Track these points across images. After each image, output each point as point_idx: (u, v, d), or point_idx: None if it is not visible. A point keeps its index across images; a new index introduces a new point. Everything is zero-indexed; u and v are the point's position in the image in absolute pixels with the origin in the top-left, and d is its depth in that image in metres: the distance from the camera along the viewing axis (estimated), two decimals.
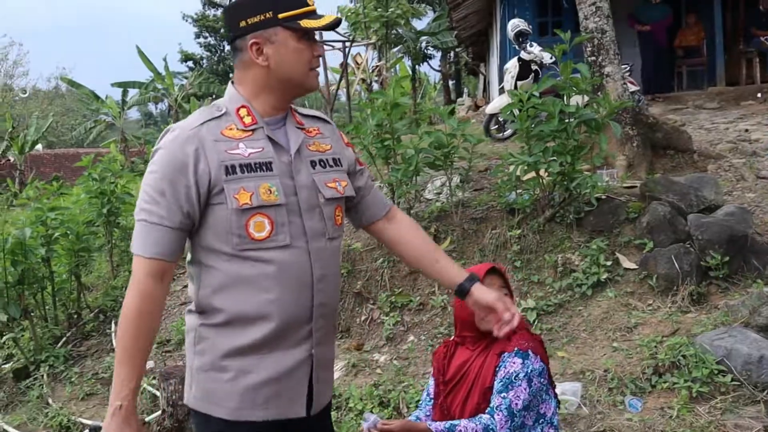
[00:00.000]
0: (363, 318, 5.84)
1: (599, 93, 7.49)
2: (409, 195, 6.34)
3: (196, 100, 25.89)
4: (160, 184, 1.97)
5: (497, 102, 9.33)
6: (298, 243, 2.04)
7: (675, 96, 12.50)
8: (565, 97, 5.86)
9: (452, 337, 2.91)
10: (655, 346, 4.50)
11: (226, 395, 2.03)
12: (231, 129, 2.05)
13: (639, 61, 12.81)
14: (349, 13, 20.91)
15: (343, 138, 2.32)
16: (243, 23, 2.05)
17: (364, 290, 5.96)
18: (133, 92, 27.92)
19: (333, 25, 2.08)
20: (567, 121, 5.62)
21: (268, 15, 2.02)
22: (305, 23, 2.04)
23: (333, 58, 36.79)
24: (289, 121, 2.14)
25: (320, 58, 2.16)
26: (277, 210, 2.01)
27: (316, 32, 2.14)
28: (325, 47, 15.45)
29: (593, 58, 7.75)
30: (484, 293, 2.29)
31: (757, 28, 13.00)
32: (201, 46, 40.56)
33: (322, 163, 2.16)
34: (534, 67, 9.38)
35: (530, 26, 10.23)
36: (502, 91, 9.94)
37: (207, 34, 40.09)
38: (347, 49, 15.96)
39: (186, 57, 39.87)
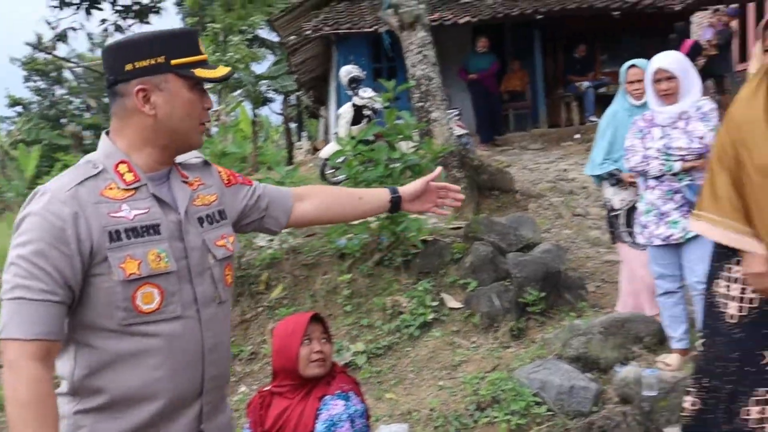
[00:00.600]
0: None
1: (427, 138, 7.79)
2: (239, 242, 6.31)
3: (25, 147, 24.74)
4: (37, 255, 1.70)
5: (330, 147, 9.49)
6: (189, 312, 1.84)
7: (503, 138, 13.17)
8: (390, 143, 6.06)
9: (267, 388, 2.92)
10: (478, 383, 4.67)
11: None
12: (111, 188, 1.80)
13: (470, 106, 13.43)
14: None
15: (222, 177, 2.11)
16: (129, 66, 1.82)
17: None
18: None
19: (226, 77, 1.92)
20: (392, 166, 5.80)
21: (159, 60, 1.81)
22: (200, 72, 1.85)
23: None
24: (173, 176, 1.93)
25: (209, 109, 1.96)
26: (168, 278, 1.80)
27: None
28: None
29: (421, 104, 8.07)
30: (410, 187, 2.34)
31: (574, 74, 13.99)
32: (30, 90, 38.81)
33: (209, 218, 1.96)
34: (367, 112, 9.60)
35: (364, 72, 10.49)
36: (337, 136, 10.13)
37: (36, 78, 38.44)
38: None
39: (14, 102, 37.95)
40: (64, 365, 1.82)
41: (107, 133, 1.90)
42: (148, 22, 17.98)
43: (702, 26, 14.97)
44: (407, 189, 2.34)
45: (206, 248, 1.90)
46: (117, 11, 16.88)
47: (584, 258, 6.59)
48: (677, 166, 4.19)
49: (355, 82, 9.78)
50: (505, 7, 13.56)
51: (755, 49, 4.65)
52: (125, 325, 1.76)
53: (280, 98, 27.89)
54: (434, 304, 5.54)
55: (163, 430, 1.83)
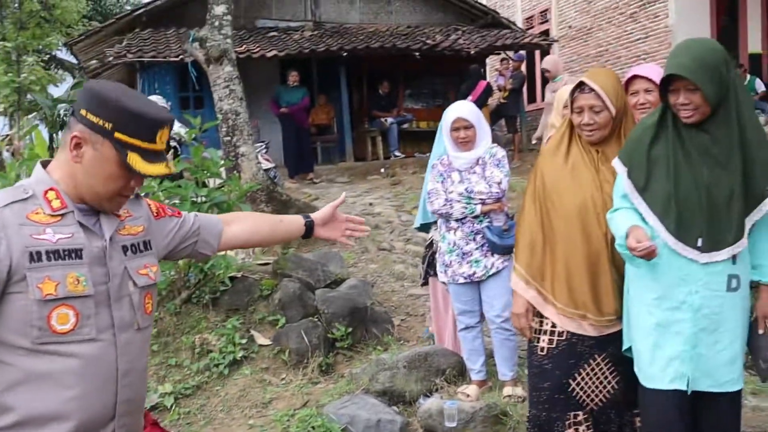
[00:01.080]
0: None
1: (235, 172, 7.81)
2: None
3: None
4: None
5: None
6: (104, 336, 1.88)
7: (313, 172, 13.39)
8: (198, 180, 6.02)
9: None
10: (288, 420, 4.72)
11: None
12: (38, 213, 1.85)
13: (281, 139, 13.56)
14: None
15: (151, 209, 2.17)
16: (83, 111, 1.87)
17: None
18: None
19: (156, 176, 1.95)
20: (199, 203, 5.77)
21: (106, 125, 1.86)
22: (133, 160, 1.88)
23: None
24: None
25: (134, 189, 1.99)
26: (84, 301, 1.84)
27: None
28: None
29: (228, 138, 8.09)
30: (321, 213, 2.51)
31: (379, 110, 14.52)
32: None
33: (134, 248, 2.01)
34: (173, 143, 9.44)
35: (170, 103, 10.32)
36: None
37: None
38: None
39: None
40: None
41: (42, 164, 1.96)
42: None
43: (493, 69, 16.06)
44: (318, 215, 2.51)
45: (128, 275, 1.96)
46: None
47: (390, 292, 6.84)
48: (478, 209, 4.45)
49: None
50: (311, 43, 13.87)
51: (556, 105, 5.10)
52: (39, 344, 1.80)
53: None
54: (243, 341, 5.54)
55: None
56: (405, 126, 14.63)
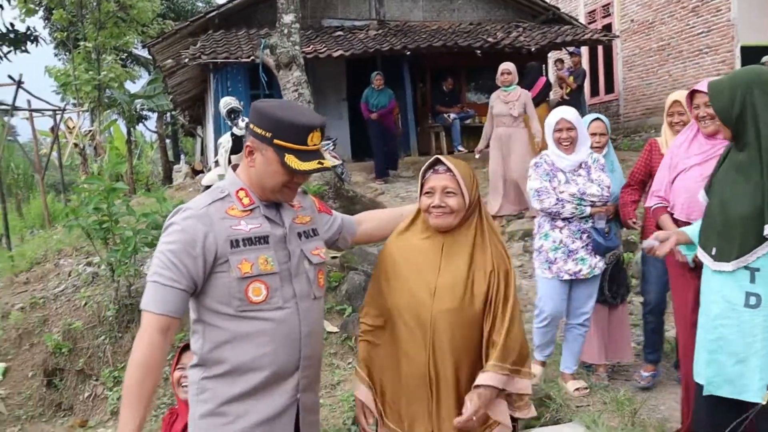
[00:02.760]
0: (87, 395, 6.02)
1: None
2: (128, 272, 6.61)
3: None
4: (171, 253, 2.26)
5: (212, 174, 9.85)
6: (289, 304, 2.37)
7: (395, 172, 13.78)
8: None
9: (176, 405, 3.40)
10: (353, 400, 5.21)
11: None
12: (233, 209, 2.36)
13: (347, 135, 13.91)
14: (59, 74, 20.36)
15: (316, 204, 2.70)
16: (252, 126, 2.36)
17: (87, 367, 6.15)
18: None
19: (311, 172, 2.35)
20: None
21: (267, 134, 2.31)
22: (289, 160, 2.31)
23: (44, 122, 34.98)
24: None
25: (298, 182, 2.42)
26: (272, 277, 2.33)
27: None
28: (35, 114, 15.04)
29: None
30: None
31: (442, 106, 14.87)
32: None
33: (306, 233, 2.50)
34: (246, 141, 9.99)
35: (242, 102, 10.89)
36: (217, 164, 10.48)
37: None
38: (60, 115, 15.58)
39: None
40: (196, 342, 2.40)
41: (233, 168, 2.49)
42: (26, 51, 17.42)
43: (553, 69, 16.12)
44: None
45: (304, 255, 2.46)
46: None
47: None
48: (588, 210, 4.63)
49: (233, 113, 10.15)
50: (375, 42, 14.31)
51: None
52: (240, 311, 2.31)
53: (154, 116, 27.67)
54: None
55: (269, 394, 2.36)
56: (467, 121, 14.92)
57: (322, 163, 2.37)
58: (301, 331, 2.41)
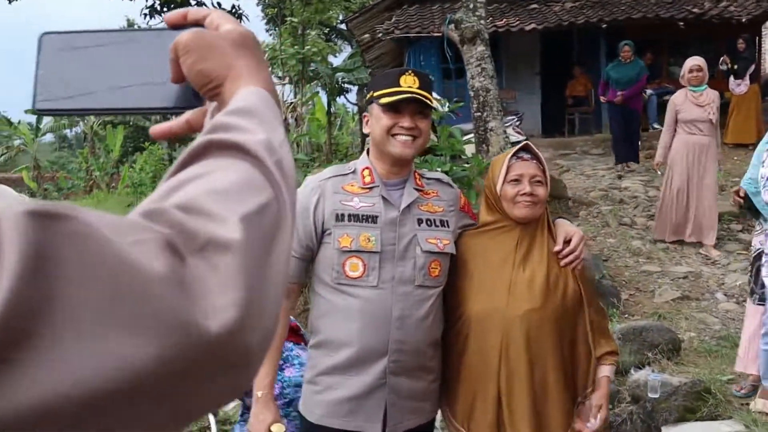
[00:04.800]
0: None
1: (484, 145, 8.38)
2: None
3: (112, 128, 26.00)
4: None
5: None
6: (385, 286, 2.39)
7: (566, 141, 13.55)
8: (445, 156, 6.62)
9: None
10: None
11: (316, 404, 2.46)
12: (352, 185, 2.47)
13: (538, 109, 13.71)
14: (266, 49, 21.53)
15: (460, 202, 2.63)
16: (369, 95, 2.51)
17: None
18: (48, 118, 27.72)
19: (410, 100, 2.37)
20: None
21: (371, 94, 2.48)
22: (384, 100, 2.40)
23: None
24: (409, 183, 2.51)
25: (409, 128, 2.41)
26: (371, 256, 2.38)
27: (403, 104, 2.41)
28: None
29: (479, 113, 8.63)
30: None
31: None
32: None
33: (429, 221, 2.49)
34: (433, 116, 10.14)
35: (433, 77, 11.06)
36: None
37: None
38: None
39: None
40: (311, 311, 2.56)
41: (367, 151, 2.57)
42: None
43: None
44: None
45: (416, 241, 2.45)
46: None
47: (623, 267, 7.05)
48: None
49: None
50: (570, 15, 13.91)
51: None
52: (336, 284, 2.41)
53: (354, 89, 28.55)
54: None
55: (357, 373, 2.41)
56: (666, 98, 14.17)
57: (413, 94, 2.36)
58: (393, 315, 2.39)
